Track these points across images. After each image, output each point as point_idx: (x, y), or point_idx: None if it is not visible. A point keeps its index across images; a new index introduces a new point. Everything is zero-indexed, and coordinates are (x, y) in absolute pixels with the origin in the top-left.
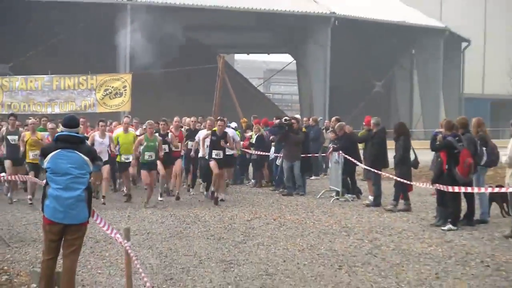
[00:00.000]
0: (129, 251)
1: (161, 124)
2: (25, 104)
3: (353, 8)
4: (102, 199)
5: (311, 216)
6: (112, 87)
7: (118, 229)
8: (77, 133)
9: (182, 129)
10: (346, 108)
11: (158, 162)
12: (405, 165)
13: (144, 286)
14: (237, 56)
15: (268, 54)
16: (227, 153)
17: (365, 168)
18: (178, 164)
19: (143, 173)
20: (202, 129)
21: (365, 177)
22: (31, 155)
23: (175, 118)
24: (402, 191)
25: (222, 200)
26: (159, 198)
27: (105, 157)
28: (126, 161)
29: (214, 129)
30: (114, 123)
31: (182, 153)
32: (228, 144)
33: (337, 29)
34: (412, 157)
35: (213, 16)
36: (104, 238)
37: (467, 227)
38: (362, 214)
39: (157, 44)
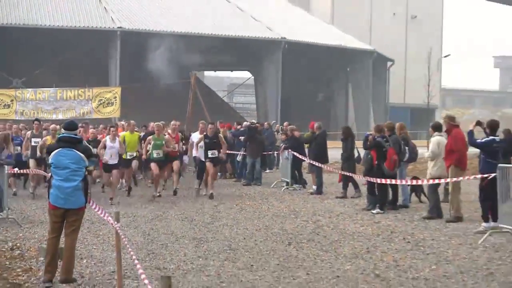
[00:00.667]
0: (119, 230)
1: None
2: (34, 111)
3: (300, 34)
4: (110, 201)
5: (266, 202)
6: (105, 97)
7: (110, 213)
8: (75, 134)
9: (180, 133)
10: (294, 115)
11: (152, 164)
12: (351, 161)
13: (131, 259)
14: (206, 73)
15: (231, 71)
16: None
17: (309, 163)
18: (176, 163)
19: (153, 165)
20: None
21: (309, 171)
22: None
23: (173, 122)
24: (352, 182)
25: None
26: (157, 194)
27: (114, 160)
28: (130, 157)
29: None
30: (100, 126)
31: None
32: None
33: (287, 51)
34: (355, 154)
35: (188, 40)
36: (98, 220)
37: (392, 211)
38: (307, 200)
39: (142, 63)
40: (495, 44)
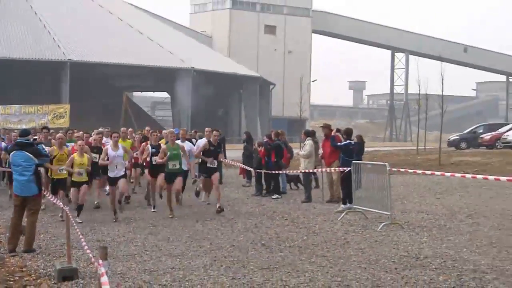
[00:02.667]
0: (68, 212)
1: (153, 135)
2: (3, 122)
3: (205, 64)
4: (114, 216)
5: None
6: (58, 112)
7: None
8: (27, 140)
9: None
10: (202, 125)
11: (146, 171)
12: (250, 158)
13: (77, 234)
14: (135, 93)
15: (153, 92)
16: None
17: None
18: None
19: (168, 186)
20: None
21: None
22: (57, 170)
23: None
24: (247, 174)
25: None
26: (152, 210)
27: (121, 171)
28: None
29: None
30: (75, 131)
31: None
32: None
33: (195, 77)
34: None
35: (121, 68)
36: (53, 206)
37: (274, 196)
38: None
39: (86, 85)
40: (349, 71)
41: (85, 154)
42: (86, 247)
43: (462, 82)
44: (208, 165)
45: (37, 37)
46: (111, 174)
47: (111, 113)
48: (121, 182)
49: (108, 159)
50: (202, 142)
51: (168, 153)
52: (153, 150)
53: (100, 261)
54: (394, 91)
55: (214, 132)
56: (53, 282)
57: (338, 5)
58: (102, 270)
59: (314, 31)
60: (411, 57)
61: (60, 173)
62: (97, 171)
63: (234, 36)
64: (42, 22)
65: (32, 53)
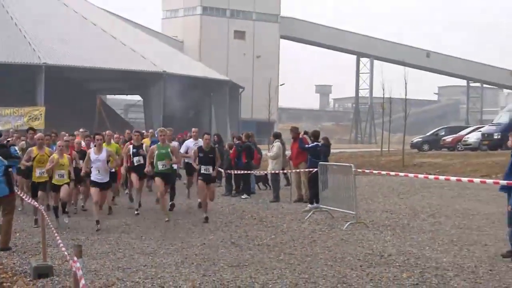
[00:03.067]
0: (43, 211)
1: (135, 135)
2: None
3: (176, 68)
4: (97, 225)
5: (152, 193)
6: (33, 114)
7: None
8: None
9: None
10: (173, 127)
11: (133, 175)
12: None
13: (52, 232)
14: (109, 96)
15: (127, 95)
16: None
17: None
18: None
19: (157, 179)
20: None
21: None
22: (38, 173)
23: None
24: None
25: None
26: (136, 212)
27: (105, 177)
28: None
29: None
30: (62, 132)
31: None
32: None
33: (167, 80)
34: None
35: (95, 72)
36: (29, 206)
37: (244, 196)
38: (183, 188)
39: (62, 89)
40: (316, 75)
41: (65, 155)
42: (61, 245)
43: (424, 86)
44: (203, 171)
45: (13, 41)
46: (94, 177)
47: (85, 116)
48: (105, 191)
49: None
50: (189, 143)
51: (156, 152)
52: (134, 150)
53: (75, 259)
54: (359, 95)
55: (205, 135)
56: (28, 279)
57: (306, 12)
58: (77, 266)
59: (282, 37)
60: (375, 62)
61: (41, 176)
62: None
63: (204, 41)
64: (18, 26)
65: (8, 57)
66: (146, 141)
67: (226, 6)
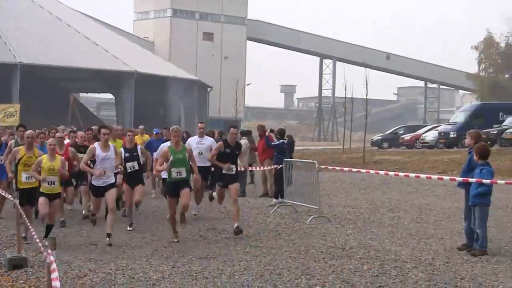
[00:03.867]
0: (18, 205)
1: (129, 136)
2: None
3: (147, 67)
4: (107, 239)
5: None
6: (8, 111)
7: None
8: None
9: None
10: (144, 124)
11: (124, 184)
12: None
13: (27, 225)
14: (82, 94)
15: (99, 93)
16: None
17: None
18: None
19: (185, 193)
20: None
21: None
22: (24, 178)
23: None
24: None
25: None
26: (129, 228)
27: (111, 178)
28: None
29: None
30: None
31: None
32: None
33: (138, 79)
34: None
35: (69, 72)
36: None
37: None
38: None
39: (37, 87)
40: (281, 76)
41: (57, 157)
42: (36, 237)
43: (384, 87)
44: (224, 171)
45: None
46: (96, 182)
47: (59, 113)
48: (112, 191)
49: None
50: (192, 142)
51: (171, 158)
52: (127, 154)
53: (49, 251)
54: (322, 95)
55: (232, 129)
56: (3, 270)
57: (272, 15)
58: (51, 259)
59: (249, 38)
60: (338, 63)
61: (28, 182)
62: (82, 176)
63: (174, 42)
64: None
65: None
66: (137, 139)
67: (195, 9)
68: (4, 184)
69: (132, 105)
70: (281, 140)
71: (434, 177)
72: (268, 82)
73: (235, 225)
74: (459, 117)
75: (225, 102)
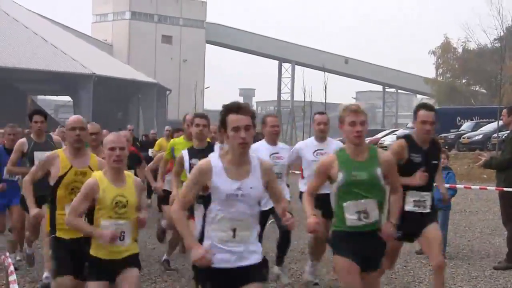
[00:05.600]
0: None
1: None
2: None
3: (106, 70)
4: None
5: None
6: None
7: None
8: None
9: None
10: (102, 127)
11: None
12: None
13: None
14: (39, 97)
15: (57, 96)
16: None
17: None
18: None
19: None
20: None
21: None
22: None
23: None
24: None
25: None
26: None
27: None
28: None
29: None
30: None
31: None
32: None
33: (97, 82)
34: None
35: (25, 73)
36: None
37: None
38: None
39: None
40: (240, 79)
41: None
42: None
43: (343, 91)
44: None
45: None
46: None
47: (16, 115)
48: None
49: None
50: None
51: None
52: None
53: (7, 254)
54: (281, 99)
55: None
56: None
57: (231, 19)
58: (9, 262)
59: (208, 42)
60: (297, 67)
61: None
62: None
63: (133, 45)
64: None
65: None
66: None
67: (154, 11)
68: None
69: (91, 108)
70: None
71: None
72: (227, 85)
73: None
74: None
75: (184, 105)
